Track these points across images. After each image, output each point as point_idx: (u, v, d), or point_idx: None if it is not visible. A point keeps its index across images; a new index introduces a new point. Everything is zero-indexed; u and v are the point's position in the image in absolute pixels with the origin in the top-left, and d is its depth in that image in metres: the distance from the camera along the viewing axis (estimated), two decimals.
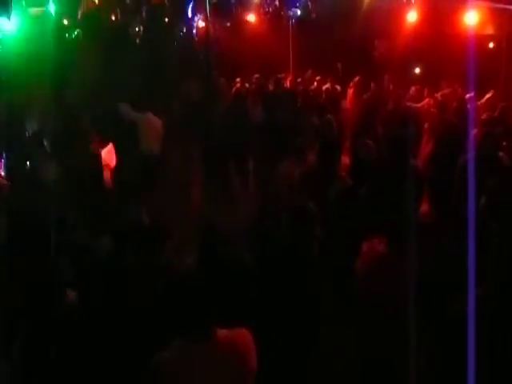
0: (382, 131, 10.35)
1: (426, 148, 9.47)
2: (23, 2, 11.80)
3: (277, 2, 19.52)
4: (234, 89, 15.78)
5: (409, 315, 3.89)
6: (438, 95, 13.44)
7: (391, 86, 15.61)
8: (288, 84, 16.62)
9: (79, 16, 14.71)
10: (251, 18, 18.21)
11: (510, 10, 13.74)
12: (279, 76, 15.67)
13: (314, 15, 19.05)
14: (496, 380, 3.58)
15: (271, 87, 14.93)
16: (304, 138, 8.97)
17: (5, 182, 8.32)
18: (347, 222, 6.10)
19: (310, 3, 19.06)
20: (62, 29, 14.59)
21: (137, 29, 16.25)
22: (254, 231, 5.78)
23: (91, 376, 4.72)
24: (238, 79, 16.58)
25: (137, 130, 11.05)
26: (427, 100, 13.21)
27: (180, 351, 3.42)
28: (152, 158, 11.05)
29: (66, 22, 14.94)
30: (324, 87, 15.58)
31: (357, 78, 14.73)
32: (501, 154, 7.86)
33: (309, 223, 5.21)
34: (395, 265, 4.31)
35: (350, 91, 14.71)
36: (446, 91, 14.00)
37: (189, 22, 18.28)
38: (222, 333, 3.46)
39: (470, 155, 7.30)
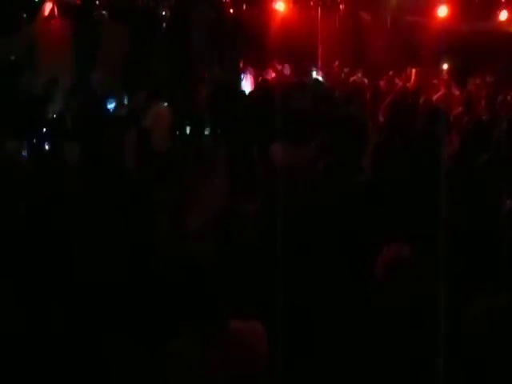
0: (408, 125, 10.21)
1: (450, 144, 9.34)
2: None
3: None
4: (260, 78, 15.81)
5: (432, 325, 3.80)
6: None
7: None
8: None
9: None
10: (280, 6, 18.06)
11: None
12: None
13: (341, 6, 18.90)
14: None
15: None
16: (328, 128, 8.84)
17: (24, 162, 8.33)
18: (368, 216, 6.00)
19: None
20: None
21: (163, 13, 16.15)
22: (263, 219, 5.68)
23: (101, 363, 4.70)
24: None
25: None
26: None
27: (192, 340, 3.37)
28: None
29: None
30: (351, 79, 15.53)
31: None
32: None
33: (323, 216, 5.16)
34: (421, 273, 4.19)
35: (382, 83, 14.64)
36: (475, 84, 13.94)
37: (218, 8, 18.14)
38: (235, 324, 3.42)
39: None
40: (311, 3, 18.84)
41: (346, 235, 5.47)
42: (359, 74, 15.90)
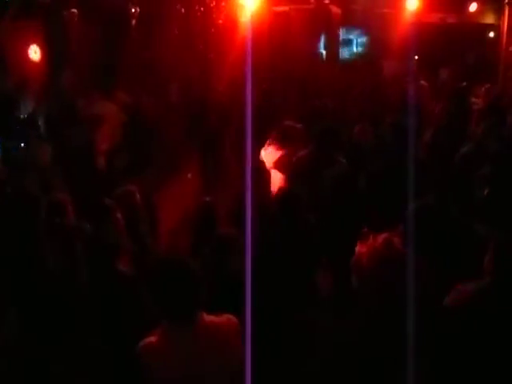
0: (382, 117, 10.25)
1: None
2: None
3: None
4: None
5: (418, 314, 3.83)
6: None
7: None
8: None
9: None
10: (248, 2, 18.01)
11: None
12: None
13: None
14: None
15: None
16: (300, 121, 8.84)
17: None
18: (343, 208, 6.02)
19: None
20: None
21: (133, 10, 16.06)
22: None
23: (74, 362, 4.68)
24: None
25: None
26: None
27: (165, 336, 3.38)
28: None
29: None
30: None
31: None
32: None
33: (298, 208, 5.16)
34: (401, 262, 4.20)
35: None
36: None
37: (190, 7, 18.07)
38: (208, 318, 3.44)
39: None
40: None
41: (321, 228, 5.49)
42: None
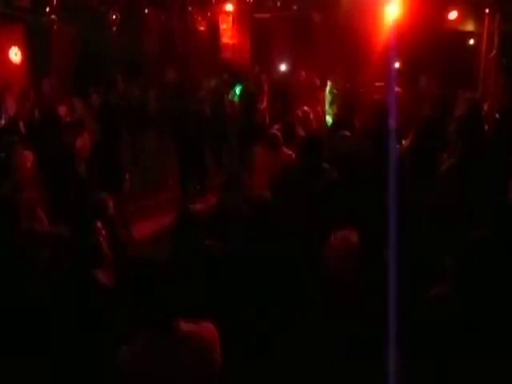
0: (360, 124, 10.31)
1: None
2: None
3: None
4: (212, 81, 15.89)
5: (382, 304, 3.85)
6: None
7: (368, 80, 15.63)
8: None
9: (54, 1, 14.50)
10: (229, 7, 18.14)
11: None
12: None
13: (295, 7, 18.96)
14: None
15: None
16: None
17: None
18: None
19: None
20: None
21: (114, 16, 16.04)
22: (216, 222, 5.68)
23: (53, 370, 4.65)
24: None
25: None
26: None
27: (143, 344, 3.37)
28: None
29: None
30: (302, 79, 15.60)
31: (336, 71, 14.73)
32: None
33: (267, 215, 5.18)
34: (367, 255, 4.24)
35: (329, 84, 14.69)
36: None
37: (168, 12, 18.10)
38: (186, 326, 3.42)
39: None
40: (263, 6, 18.91)
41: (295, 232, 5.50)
42: (303, 73, 15.96)
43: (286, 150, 8.29)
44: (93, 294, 4.79)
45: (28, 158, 8.59)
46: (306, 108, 10.74)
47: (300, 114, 10.48)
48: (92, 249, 5.11)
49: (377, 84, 14.67)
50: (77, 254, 5.13)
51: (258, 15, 19.24)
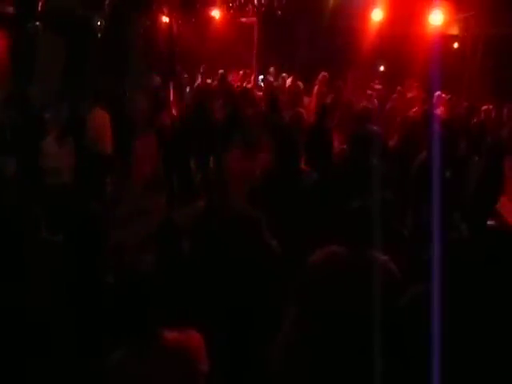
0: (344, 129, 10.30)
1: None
2: None
3: None
4: (195, 84, 15.90)
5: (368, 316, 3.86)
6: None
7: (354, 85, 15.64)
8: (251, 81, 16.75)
9: (39, 8, 14.43)
10: (216, 13, 18.14)
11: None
12: (221, 72, 15.64)
13: (279, 12, 18.95)
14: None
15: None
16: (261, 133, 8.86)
17: None
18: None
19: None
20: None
21: (99, 23, 15.99)
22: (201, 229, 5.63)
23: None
24: (200, 73, 16.73)
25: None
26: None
27: (127, 354, 3.37)
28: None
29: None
30: (286, 84, 15.53)
31: (321, 75, 14.67)
32: None
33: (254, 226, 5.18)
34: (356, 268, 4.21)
35: (315, 88, 14.65)
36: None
37: (153, 17, 18.09)
38: (169, 335, 3.41)
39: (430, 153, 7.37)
40: (247, 10, 18.89)
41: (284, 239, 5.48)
42: (289, 80, 15.91)
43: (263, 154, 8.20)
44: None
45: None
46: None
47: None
48: None
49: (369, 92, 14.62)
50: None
51: (243, 20, 19.31)
